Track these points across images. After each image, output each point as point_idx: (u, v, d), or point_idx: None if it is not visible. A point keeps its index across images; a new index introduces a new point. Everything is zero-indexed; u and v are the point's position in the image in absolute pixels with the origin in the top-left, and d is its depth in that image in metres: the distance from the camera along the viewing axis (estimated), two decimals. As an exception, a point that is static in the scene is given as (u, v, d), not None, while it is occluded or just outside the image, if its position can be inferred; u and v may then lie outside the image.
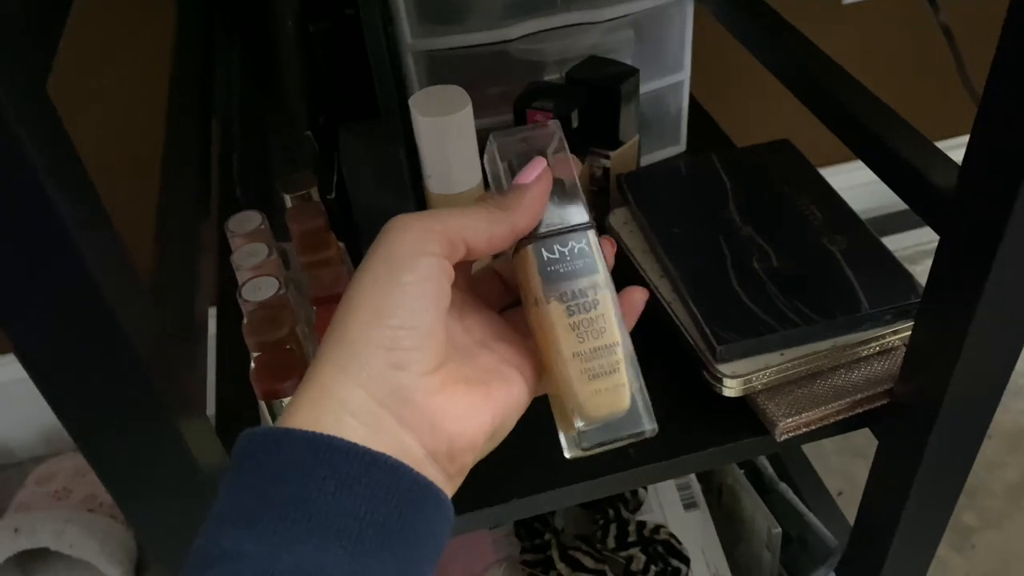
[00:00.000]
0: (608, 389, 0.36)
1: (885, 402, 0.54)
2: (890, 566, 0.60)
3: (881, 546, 0.59)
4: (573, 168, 0.38)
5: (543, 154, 0.38)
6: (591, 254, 0.36)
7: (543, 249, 0.36)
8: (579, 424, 0.36)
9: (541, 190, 0.36)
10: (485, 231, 0.35)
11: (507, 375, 0.36)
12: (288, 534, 0.28)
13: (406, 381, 0.31)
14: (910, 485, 0.53)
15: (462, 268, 0.38)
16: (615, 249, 0.40)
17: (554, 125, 0.39)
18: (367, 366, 0.31)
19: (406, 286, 0.32)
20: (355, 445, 0.30)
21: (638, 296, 0.39)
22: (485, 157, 0.39)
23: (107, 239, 0.35)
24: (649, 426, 0.36)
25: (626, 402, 0.36)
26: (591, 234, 0.37)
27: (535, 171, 0.37)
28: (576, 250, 0.36)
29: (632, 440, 0.36)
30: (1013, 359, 0.47)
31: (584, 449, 0.36)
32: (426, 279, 0.32)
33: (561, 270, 0.36)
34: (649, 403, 0.37)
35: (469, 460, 0.34)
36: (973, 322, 0.44)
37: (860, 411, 0.55)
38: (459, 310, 0.37)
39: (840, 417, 0.54)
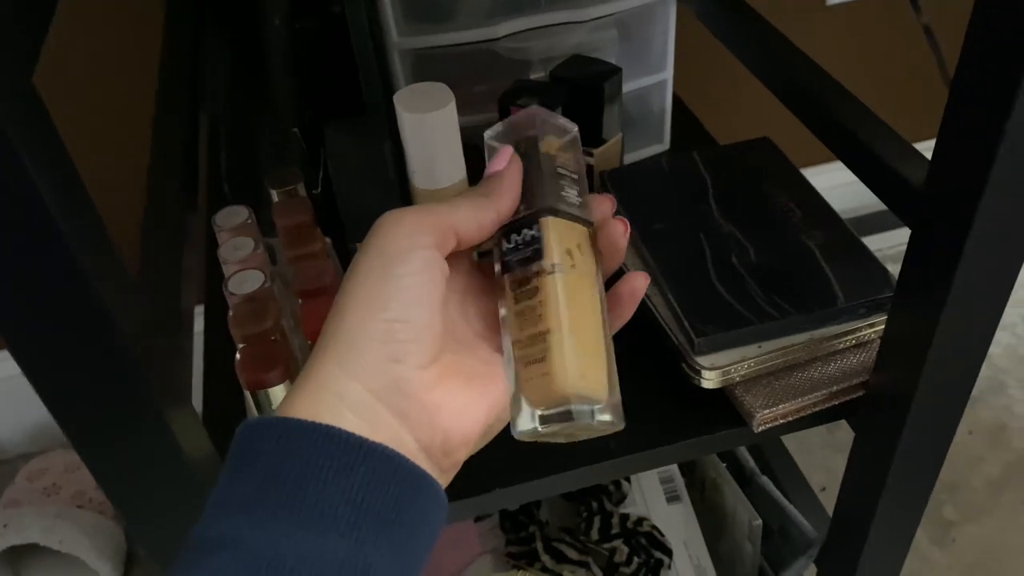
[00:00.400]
0: (536, 377, 0.35)
1: (861, 394, 0.56)
2: (867, 556, 0.61)
3: (858, 536, 0.60)
4: (548, 151, 0.38)
5: (527, 138, 0.38)
6: (540, 241, 0.36)
7: (503, 239, 0.37)
8: (525, 408, 0.35)
9: (513, 174, 0.37)
10: (473, 219, 0.35)
11: (495, 371, 0.36)
12: (286, 521, 0.28)
13: (403, 374, 0.32)
14: (886, 475, 0.54)
15: (465, 255, 0.39)
16: (614, 205, 0.40)
17: (533, 110, 0.39)
18: (363, 359, 0.31)
19: (400, 279, 0.32)
20: (352, 434, 0.30)
21: (640, 282, 0.39)
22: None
23: (94, 232, 0.35)
24: (598, 418, 0.35)
25: (559, 391, 0.34)
26: (544, 220, 0.36)
27: (503, 159, 0.38)
28: (528, 238, 0.36)
29: (578, 432, 0.35)
30: (983, 350, 0.49)
31: (520, 434, 0.35)
32: (420, 271, 0.33)
33: (515, 259, 0.36)
34: (599, 394, 0.35)
35: (462, 456, 0.34)
36: (943, 314, 0.45)
37: (836, 403, 0.56)
38: (461, 299, 0.38)
39: (817, 409, 0.56)
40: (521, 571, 0.77)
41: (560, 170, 0.38)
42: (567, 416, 0.34)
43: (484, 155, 0.39)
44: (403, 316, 0.32)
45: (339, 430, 0.30)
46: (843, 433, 0.74)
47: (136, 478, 0.42)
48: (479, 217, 0.36)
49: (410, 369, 0.32)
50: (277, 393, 0.48)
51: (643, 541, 0.77)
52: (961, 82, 0.40)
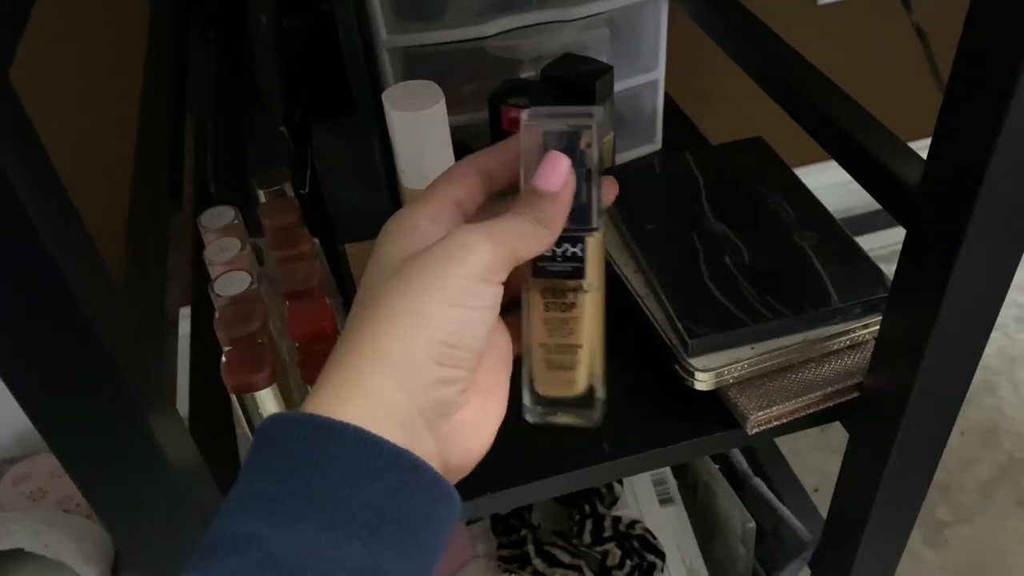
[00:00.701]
0: (560, 381, 0.38)
1: (855, 395, 0.55)
2: (862, 559, 0.61)
3: (853, 538, 0.60)
4: (596, 165, 0.36)
5: (572, 134, 0.35)
6: (583, 259, 0.36)
7: None
8: (543, 401, 0.39)
9: (569, 196, 0.35)
10: (534, 249, 0.35)
11: (501, 380, 0.37)
12: (307, 524, 0.28)
13: (449, 397, 0.32)
14: (880, 477, 0.54)
15: None
16: (616, 190, 0.38)
17: (594, 112, 0.35)
18: (418, 377, 0.31)
19: (474, 311, 0.32)
20: (381, 439, 0.30)
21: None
22: (522, 140, 0.36)
23: (73, 233, 0.35)
24: (594, 419, 0.39)
25: (580, 392, 0.38)
26: (590, 240, 0.36)
27: (560, 176, 0.34)
28: (569, 253, 0.36)
29: (575, 423, 0.39)
30: (979, 351, 0.48)
31: (536, 422, 0.39)
32: (489, 307, 0.33)
33: (549, 268, 0.36)
34: (602, 395, 0.39)
35: (465, 472, 0.35)
36: (939, 314, 0.44)
37: (831, 404, 0.55)
38: None
39: (811, 411, 0.55)
40: (513, 575, 0.76)
41: (598, 178, 0.36)
42: (588, 407, 0.39)
43: (520, 132, 0.35)
44: (465, 345, 0.32)
45: (369, 433, 0.30)
46: (835, 433, 0.73)
47: (118, 484, 0.41)
48: (539, 247, 0.35)
49: (455, 393, 0.33)
50: (263, 397, 0.47)
51: (636, 544, 0.77)
52: (956, 81, 0.39)
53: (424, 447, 0.32)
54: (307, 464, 0.29)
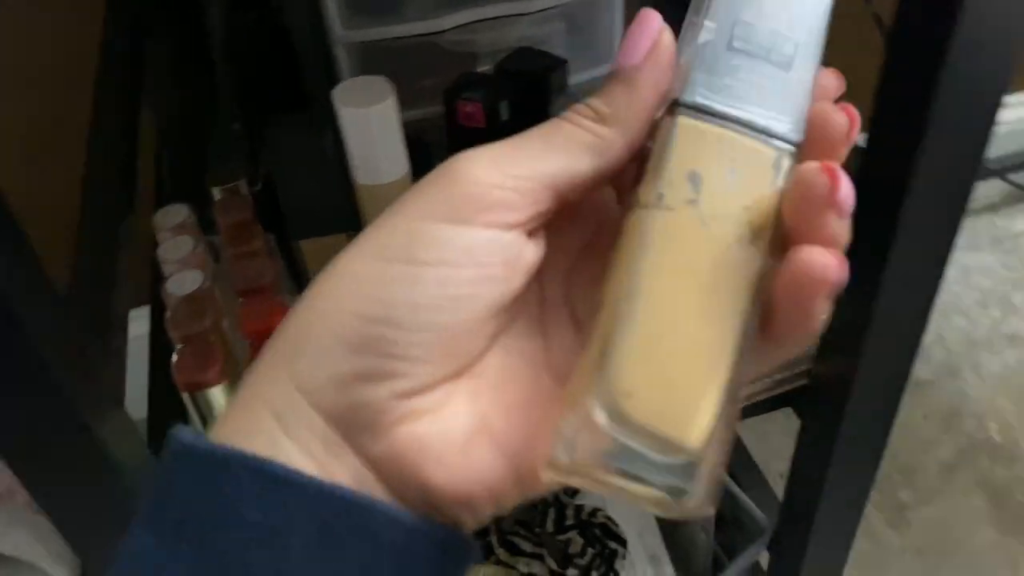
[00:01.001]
0: (578, 375, 0.21)
1: (804, 382, 0.56)
2: (816, 541, 0.62)
3: (807, 521, 0.61)
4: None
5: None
6: (648, 156, 0.22)
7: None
8: (600, 410, 0.20)
9: (654, 74, 0.22)
10: (588, 162, 0.22)
11: (533, 386, 0.24)
12: None
13: (368, 398, 0.21)
14: (830, 460, 0.55)
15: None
16: (854, 125, 0.23)
17: None
18: (318, 369, 0.21)
19: (422, 270, 0.21)
20: (279, 467, 0.21)
21: (819, 258, 0.22)
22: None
23: (8, 235, 0.35)
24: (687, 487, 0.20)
25: (590, 404, 0.20)
26: (665, 122, 0.22)
27: (641, 44, 0.22)
28: (645, 151, 0.23)
29: (631, 488, 0.21)
30: (919, 334, 0.49)
31: (562, 465, 0.21)
32: (466, 264, 0.21)
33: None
34: (673, 432, 0.20)
35: (466, 518, 0.23)
36: (877, 300, 0.45)
37: (780, 391, 0.56)
38: (572, 267, 0.25)
39: (761, 397, 0.56)
40: (476, 565, 0.77)
41: (747, 44, 0.22)
42: (598, 451, 0.20)
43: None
44: (406, 323, 0.20)
45: (267, 464, 0.21)
46: (799, 419, 0.75)
47: (66, 487, 0.41)
48: (599, 159, 0.22)
49: (386, 396, 0.21)
50: (214, 394, 0.47)
51: (597, 532, 0.77)
52: (891, 63, 0.40)
53: (348, 473, 0.21)
54: (195, 513, 0.21)
